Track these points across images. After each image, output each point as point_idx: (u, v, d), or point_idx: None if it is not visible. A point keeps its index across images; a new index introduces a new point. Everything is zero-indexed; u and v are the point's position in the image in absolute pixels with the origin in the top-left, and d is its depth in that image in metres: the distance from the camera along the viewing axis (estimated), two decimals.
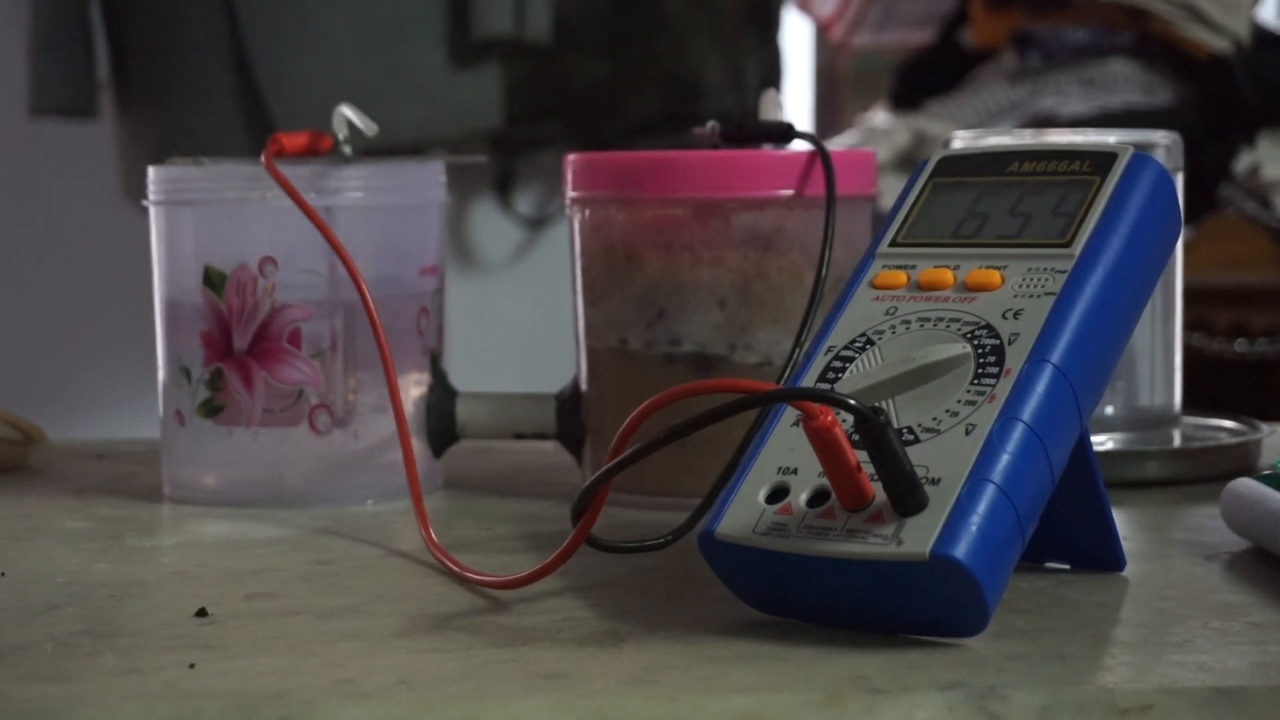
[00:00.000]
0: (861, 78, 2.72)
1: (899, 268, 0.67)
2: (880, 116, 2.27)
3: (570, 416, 0.89)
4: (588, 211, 0.86)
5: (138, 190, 1.00)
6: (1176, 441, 0.94)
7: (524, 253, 1.89)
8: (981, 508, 0.58)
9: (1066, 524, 0.68)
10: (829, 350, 0.65)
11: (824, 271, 0.81)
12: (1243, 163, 2.07)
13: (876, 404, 0.60)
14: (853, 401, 0.58)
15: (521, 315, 1.88)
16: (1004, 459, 0.59)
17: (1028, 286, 0.64)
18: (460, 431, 0.90)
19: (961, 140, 0.95)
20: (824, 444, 0.58)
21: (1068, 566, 0.70)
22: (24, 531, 0.81)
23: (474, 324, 1.79)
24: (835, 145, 1.18)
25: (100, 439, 1.07)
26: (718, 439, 0.76)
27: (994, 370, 0.62)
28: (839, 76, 2.86)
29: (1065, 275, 0.64)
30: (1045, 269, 0.64)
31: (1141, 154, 0.66)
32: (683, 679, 0.56)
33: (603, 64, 1.79)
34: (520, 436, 0.90)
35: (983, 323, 0.63)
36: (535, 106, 1.77)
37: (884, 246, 0.68)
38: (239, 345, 0.85)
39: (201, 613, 0.64)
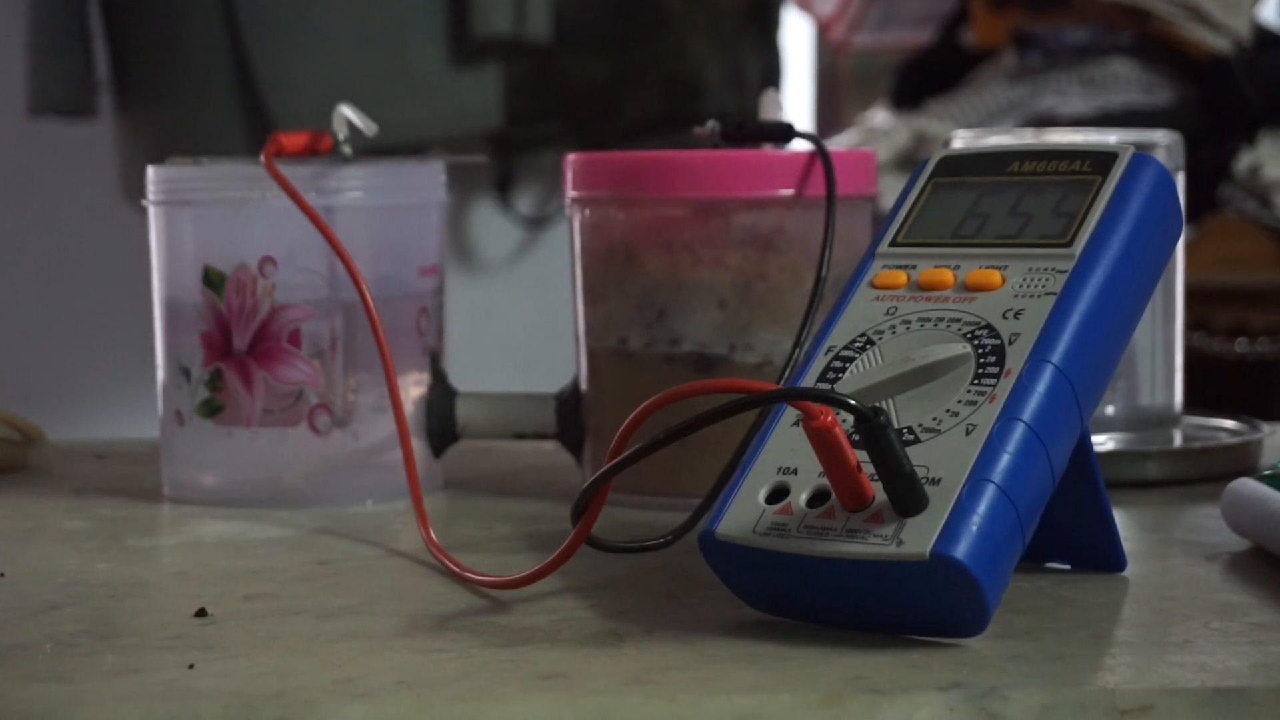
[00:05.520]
0: (861, 78, 2.73)
1: (899, 268, 0.67)
2: (880, 116, 2.27)
3: (570, 416, 0.89)
4: (588, 211, 0.86)
5: (137, 190, 1.00)
6: (1177, 441, 0.94)
7: (524, 253, 1.89)
8: (982, 508, 0.58)
9: (1067, 524, 0.67)
10: (829, 350, 0.65)
11: (824, 271, 0.81)
12: (1243, 162, 2.07)
13: (876, 404, 0.60)
14: (853, 401, 0.58)
15: (521, 315, 1.88)
16: (1004, 459, 0.59)
17: (1028, 286, 0.64)
18: (460, 431, 0.90)
19: (961, 140, 0.95)
20: (824, 444, 0.58)
21: (1068, 566, 0.70)
22: (24, 531, 0.81)
23: (474, 324, 1.79)
24: (835, 145, 1.18)
25: (100, 439, 1.07)
26: (718, 439, 0.76)
27: (994, 370, 0.62)
28: (839, 76, 2.86)
29: (1066, 275, 0.64)
30: (1046, 269, 0.64)
31: (1142, 154, 0.66)
32: (683, 679, 0.56)
33: (603, 64, 1.79)
34: (520, 436, 0.90)
35: (983, 323, 0.63)
36: (535, 106, 1.77)
37: (884, 246, 0.68)
38: (239, 345, 0.85)
39: (201, 613, 0.64)
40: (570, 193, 0.87)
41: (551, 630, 0.62)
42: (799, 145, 0.86)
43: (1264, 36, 2.15)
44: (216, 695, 0.54)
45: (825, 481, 0.60)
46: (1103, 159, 0.67)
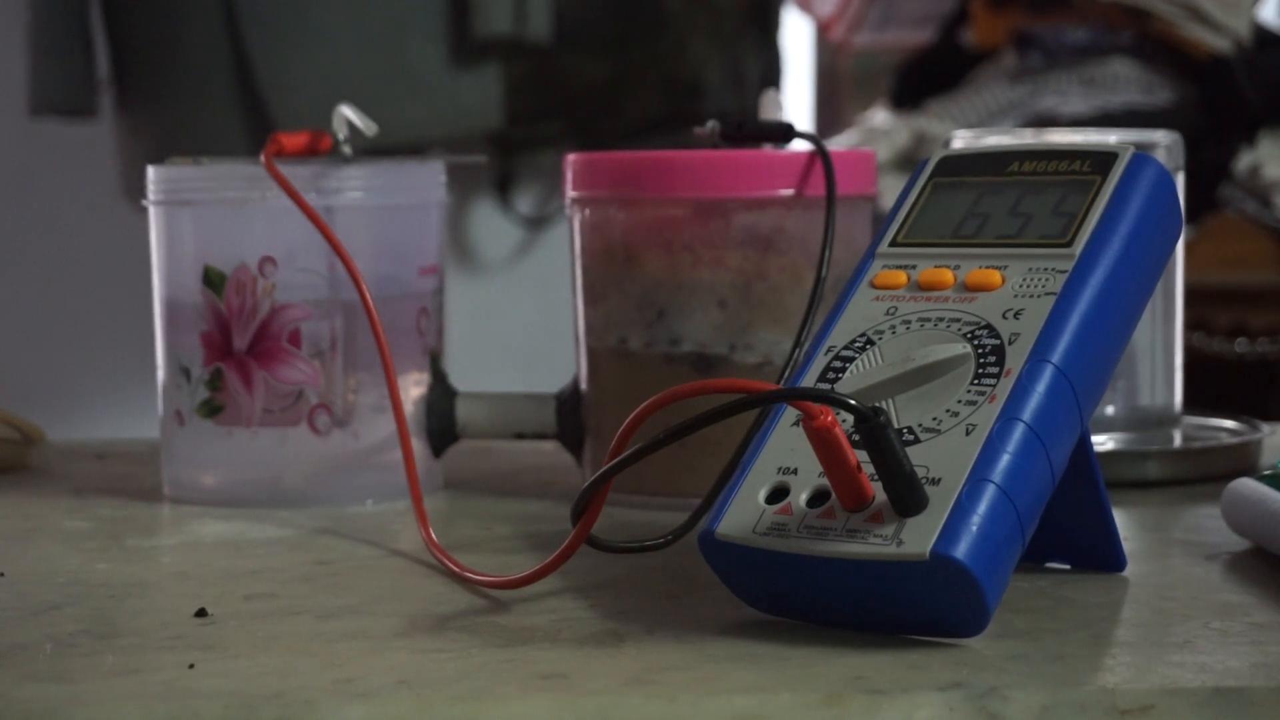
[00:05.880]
0: (861, 78, 2.72)
1: (899, 267, 0.67)
2: (880, 116, 2.27)
3: (570, 416, 0.89)
4: (588, 211, 0.86)
5: (137, 190, 1.00)
6: (1177, 441, 0.94)
7: (524, 253, 1.89)
8: (982, 508, 0.58)
9: (1067, 524, 0.67)
10: (829, 350, 0.65)
11: (824, 271, 0.81)
12: (1243, 162, 2.08)
13: (876, 404, 0.60)
14: (853, 401, 0.58)
15: (521, 315, 1.88)
16: (1004, 459, 0.59)
17: (1028, 286, 0.64)
18: (460, 431, 0.90)
19: (961, 140, 0.95)
20: (824, 444, 0.58)
21: (1068, 566, 0.70)
22: (24, 531, 0.81)
23: (474, 324, 1.79)
24: (835, 145, 1.18)
25: (100, 439, 1.07)
26: (718, 439, 0.76)
27: (994, 370, 0.62)
28: (839, 76, 2.85)
29: (1066, 275, 0.64)
30: (1046, 269, 0.64)
31: (1142, 154, 0.66)
32: (683, 679, 0.56)
33: (603, 64, 1.79)
34: (520, 436, 0.90)
35: (983, 323, 0.63)
36: (535, 106, 1.77)
37: (884, 246, 0.68)
38: (239, 345, 0.85)
39: (201, 613, 0.64)
40: (570, 193, 0.87)
41: (551, 630, 0.62)
42: (799, 145, 0.86)
43: (1264, 36, 2.15)
44: (216, 695, 0.54)
45: (825, 481, 0.60)
46: (1103, 159, 0.67)
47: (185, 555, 0.77)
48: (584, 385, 0.88)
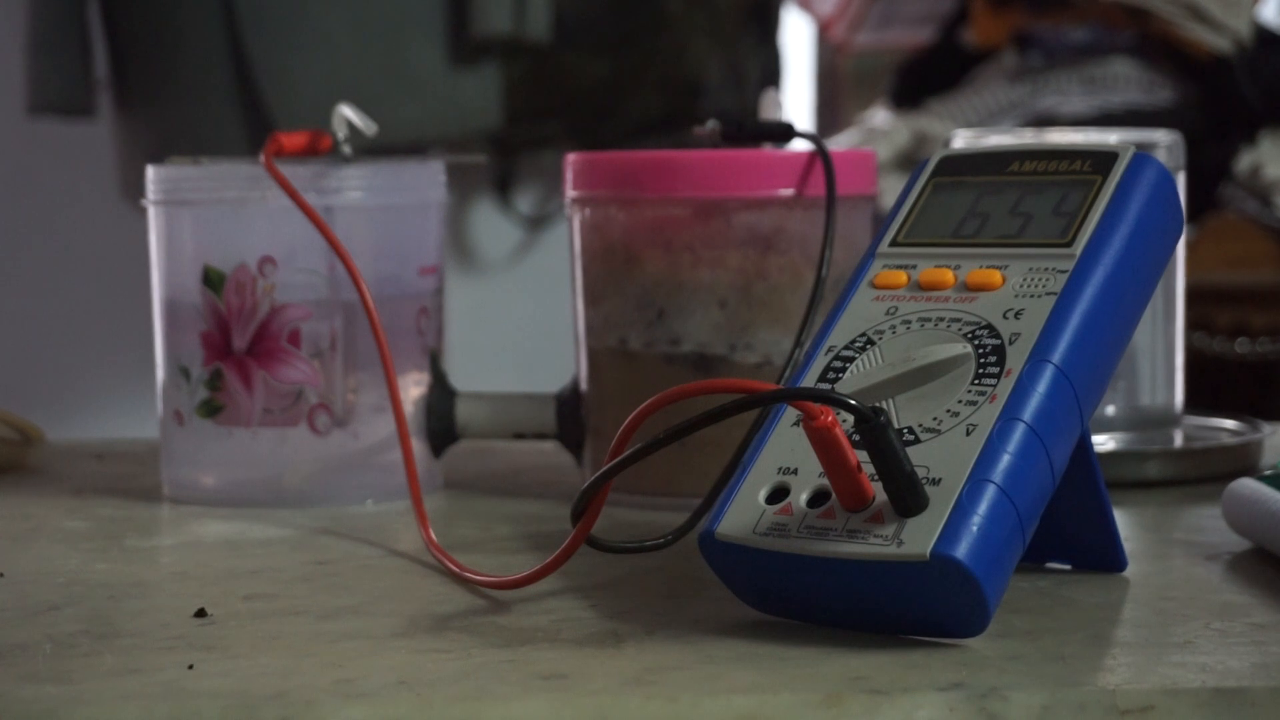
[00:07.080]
0: (861, 78, 2.72)
1: (899, 267, 0.67)
2: (880, 116, 2.27)
3: (570, 416, 0.89)
4: (588, 211, 0.86)
5: (136, 190, 1.00)
6: (1178, 441, 0.94)
7: (524, 253, 1.89)
8: (982, 508, 0.58)
9: (1067, 524, 0.67)
10: (829, 350, 0.65)
11: (824, 271, 0.81)
12: (1244, 162, 2.07)
13: (877, 404, 0.60)
14: (853, 401, 0.58)
15: (521, 315, 1.88)
16: (1005, 459, 0.59)
17: (1029, 286, 0.64)
18: (460, 431, 0.90)
19: (962, 140, 0.95)
20: (824, 444, 0.58)
21: (1069, 567, 0.70)
22: (23, 531, 0.81)
23: (474, 324, 1.79)
24: (835, 145, 1.18)
25: (100, 439, 1.07)
26: (718, 439, 0.76)
27: (995, 370, 0.62)
28: (839, 76, 2.85)
29: (1066, 275, 0.64)
30: (1046, 269, 0.64)
31: (1143, 154, 0.66)
32: (683, 679, 0.56)
33: (603, 64, 1.79)
34: (520, 436, 0.90)
35: (983, 323, 0.63)
36: (535, 106, 1.77)
37: (884, 246, 0.68)
38: (238, 345, 0.85)
39: (201, 613, 0.64)
40: (570, 193, 0.87)
41: (551, 630, 0.62)
42: (799, 145, 0.86)
43: (1264, 36, 2.15)
44: (216, 695, 0.54)
45: (825, 481, 0.60)
46: (1103, 159, 0.67)
47: (185, 555, 0.77)
48: (584, 385, 0.88)
